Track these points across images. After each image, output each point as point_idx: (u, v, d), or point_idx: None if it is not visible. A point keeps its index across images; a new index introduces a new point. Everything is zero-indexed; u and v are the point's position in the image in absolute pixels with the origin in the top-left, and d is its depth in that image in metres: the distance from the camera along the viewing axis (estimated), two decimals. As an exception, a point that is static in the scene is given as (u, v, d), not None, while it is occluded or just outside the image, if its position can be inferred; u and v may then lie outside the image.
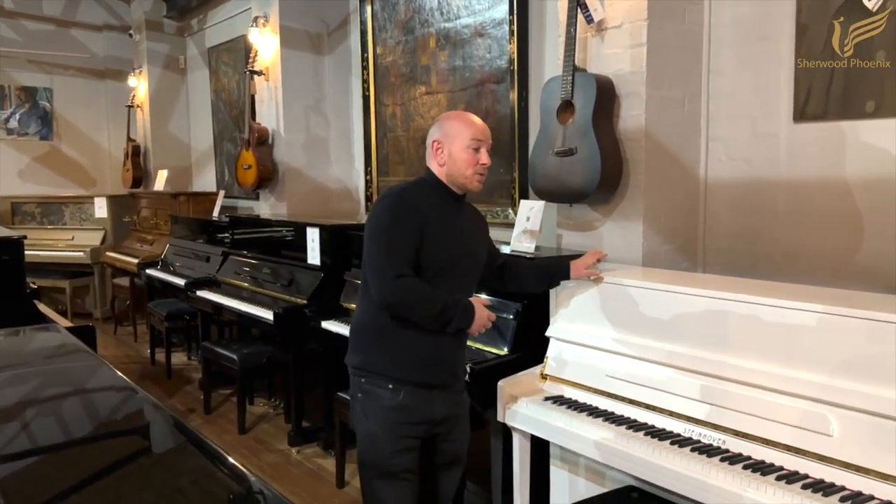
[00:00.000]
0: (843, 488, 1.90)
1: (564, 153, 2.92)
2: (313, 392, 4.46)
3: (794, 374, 2.10)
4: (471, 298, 2.32)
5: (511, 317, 2.93)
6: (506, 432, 2.83)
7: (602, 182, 2.84)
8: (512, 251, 3.12)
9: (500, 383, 2.73)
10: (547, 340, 2.82)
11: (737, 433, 2.17)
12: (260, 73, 5.48)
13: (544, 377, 2.77)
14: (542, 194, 3.08)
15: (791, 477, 1.97)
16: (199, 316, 5.40)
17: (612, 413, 2.48)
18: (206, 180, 7.66)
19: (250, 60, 5.52)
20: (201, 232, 6.01)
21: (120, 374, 2.11)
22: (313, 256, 4.38)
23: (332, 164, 5.64)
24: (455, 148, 2.28)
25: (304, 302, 4.21)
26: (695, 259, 3.11)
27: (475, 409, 2.89)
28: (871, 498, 1.84)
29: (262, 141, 5.50)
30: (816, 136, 2.77)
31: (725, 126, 3.05)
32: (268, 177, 5.52)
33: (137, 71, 7.78)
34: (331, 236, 4.28)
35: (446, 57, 4.46)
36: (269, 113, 5.56)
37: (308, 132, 5.53)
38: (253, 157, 5.43)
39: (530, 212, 3.12)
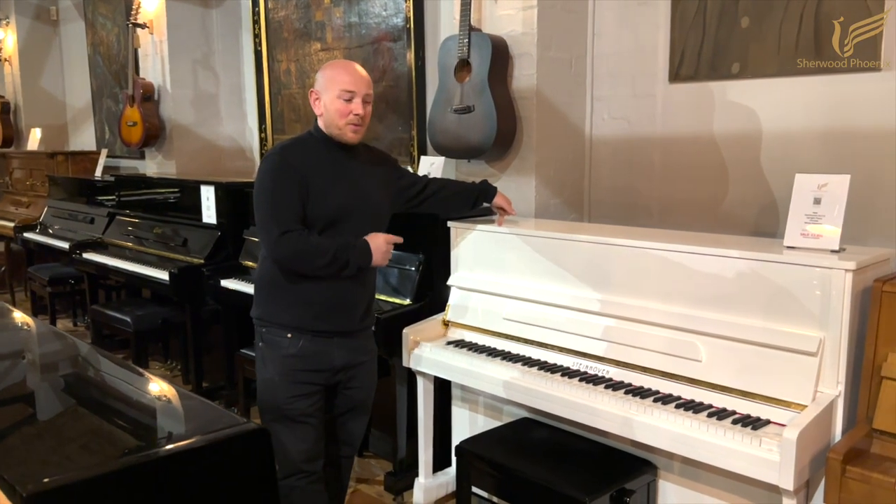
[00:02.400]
0: (710, 406, 2.17)
1: (462, 110, 3.05)
2: (213, 352, 4.45)
3: (667, 308, 2.36)
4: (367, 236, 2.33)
5: (413, 268, 3.07)
6: (410, 378, 2.99)
7: (498, 138, 3.00)
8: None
9: (404, 331, 2.87)
10: (448, 289, 2.98)
11: (619, 363, 2.42)
12: (143, 26, 5.26)
13: (446, 324, 2.94)
14: (442, 150, 3.20)
15: (666, 398, 2.24)
16: (86, 280, 5.22)
17: (509, 352, 2.68)
18: (84, 139, 7.28)
19: (132, 13, 5.28)
20: (83, 193, 5.76)
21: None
22: (209, 215, 4.34)
23: (222, 122, 5.53)
24: (327, 98, 2.29)
25: (202, 261, 4.18)
26: (581, 210, 3.34)
27: (380, 357, 3.02)
28: (734, 413, 2.12)
29: (148, 97, 5.31)
30: (689, 95, 3.03)
31: (608, 86, 3.27)
32: (154, 134, 5.35)
33: (4, 22, 7.24)
34: (227, 195, 4.24)
35: (341, 13, 4.46)
36: (155, 68, 5.36)
37: (196, 88, 5.39)
38: (138, 114, 5.24)
39: (431, 167, 3.24)
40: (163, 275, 4.12)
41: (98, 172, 6.00)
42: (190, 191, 4.45)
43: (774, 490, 2.06)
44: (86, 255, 4.85)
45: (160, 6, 5.18)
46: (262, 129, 5.24)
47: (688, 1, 2.97)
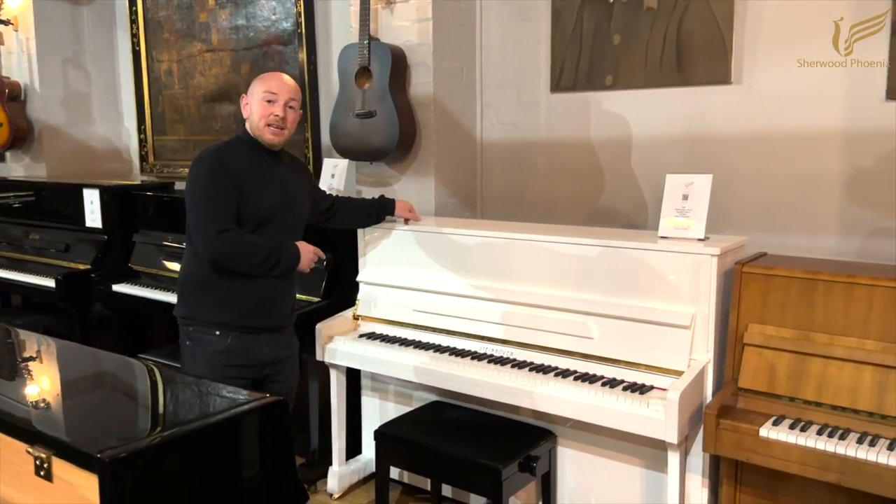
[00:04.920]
0: (602, 377, 2.49)
1: (364, 115, 3.22)
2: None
3: (561, 293, 2.65)
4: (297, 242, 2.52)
5: (322, 266, 3.20)
6: (322, 371, 3.13)
7: (400, 142, 3.20)
8: (317, 206, 3.38)
9: (317, 326, 3.01)
10: (356, 286, 3.14)
11: (522, 345, 2.69)
12: (7, 23, 4.98)
13: (356, 318, 3.10)
14: (345, 153, 3.36)
15: (565, 373, 2.53)
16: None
17: (420, 341, 2.89)
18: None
19: (-7, 8, 4.99)
20: (-63, 198, 5.35)
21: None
22: (93, 219, 4.23)
23: (95, 122, 5.33)
24: (253, 101, 2.47)
25: (88, 267, 4.08)
26: (475, 209, 3.61)
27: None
28: (623, 381, 2.45)
29: (14, 97, 5.03)
30: (568, 104, 3.36)
31: (496, 94, 3.55)
32: (21, 136, 5.08)
33: None
34: (114, 198, 4.16)
35: (227, 15, 4.47)
36: (21, 66, 5.09)
37: (67, 87, 5.17)
38: (4, 115, 4.96)
39: (335, 169, 3.39)
40: (48, 282, 3.98)
41: (-47, 176, 5.59)
42: (70, 194, 4.30)
43: (659, 447, 2.42)
44: (-51, 265, 4.55)
45: (26, 2, 4.94)
46: (140, 130, 5.12)
47: (566, 18, 3.31)
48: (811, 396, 2.16)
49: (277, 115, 2.44)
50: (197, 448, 1.33)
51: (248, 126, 2.49)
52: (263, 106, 2.43)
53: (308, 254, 2.51)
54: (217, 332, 2.42)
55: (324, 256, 2.59)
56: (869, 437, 2.03)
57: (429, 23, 3.26)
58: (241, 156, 2.44)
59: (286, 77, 2.53)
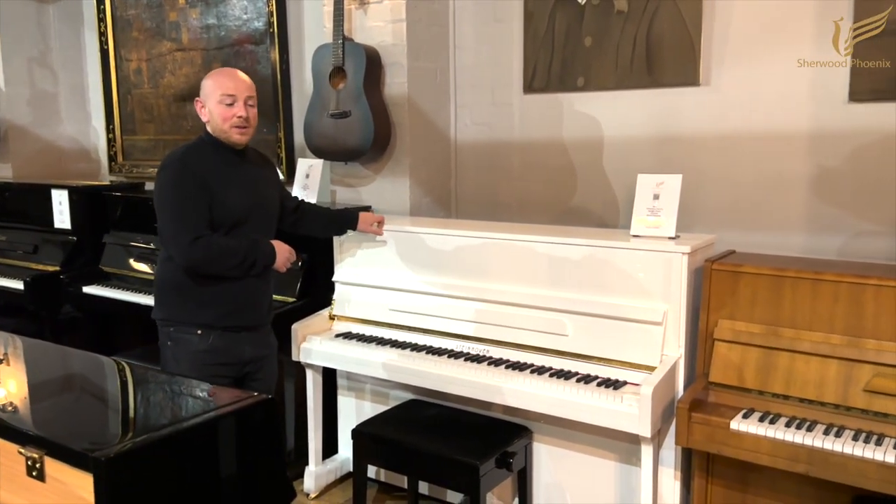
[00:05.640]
0: (577, 373, 2.53)
1: (339, 115, 3.23)
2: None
3: (536, 291, 2.69)
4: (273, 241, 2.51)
5: (297, 267, 3.19)
6: (298, 371, 3.13)
7: (375, 142, 3.21)
8: (292, 206, 3.38)
9: (293, 326, 3.01)
10: (332, 286, 3.15)
11: (497, 343, 2.73)
12: (-30, 20, 4.88)
13: (332, 317, 3.11)
14: (319, 153, 3.36)
15: (541, 370, 2.57)
16: None
17: (397, 340, 2.91)
18: None
19: (-45, 4, 4.88)
20: None
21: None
22: (62, 220, 4.17)
23: (63, 122, 5.26)
24: (211, 104, 2.42)
25: (57, 268, 4.03)
26: (449, 208, 3.64)
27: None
28: (597, 377, 2.49)
29: (-22, 95, 4.93)
30: (541, 105, 3.41)
31: (470, 95, 3.58)
32: (-14, 136, 4.99)
33: None
34: (82, 198, 4.11)
35: (198, 14, 4.44)
36: (-16, 65, 5.00)
37: (33, 87, 5.08)
38: (-32, 114, 4.86)
39: (309, 169, 3.39)
40: (16, 284, 3.91)
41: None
42: (38, 195, 4.24)
43: (632, 441, 2.46)
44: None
45: (-11, -1, 4.85)
46: (109, 130, 5.05)
47: (538, 20, 3.35)
48: (779, 390, 2.22)
49: (241, 116, 2.41)
50: (191, 445, 1.34)
51: (209, 128, 2.46)
52: (223, 109, 2.40)
53: (284, 253, 2.51)
54: (199, 332, 2.42)
55: (295, 258, 2.58)
56: (835, 429, 2.09)
57: (403, 23, 3.28)
58: (207, 158, 2.41)
59: (239, 73, 2.48)
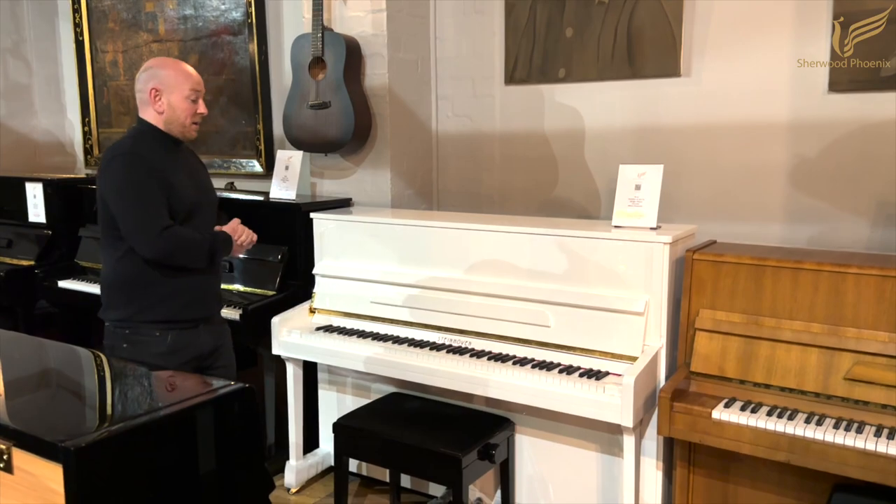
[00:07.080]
0: (559, 364, 2.52)
1: (319, 106, 3.19)
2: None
3: (518, 283, 2.68)
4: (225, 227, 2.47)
5: (277, 260, 3.16)
6: (278, 365, 3.10)
7: (356, 133, 3.18)
8: (272, 199, 3.34)
9: (273, 320, 2.97)
10: (312, 279, 3.11)
11: (479, 334, 2.71)
12: (-59, 10, 4.78)
13: (313, 311, 3.08)
14: (299, 144, 3.32)
15: (523, 361, 2.56)
16: None
17: (378, 333, 2.88)
18: None
19: (-76, -7, 4.78)
20: None
21: None
22: (36, 214, 4.10)
23: (38, 115, 5.16)
24: (174, 98, 2.33)
25: (32, 263, 3.96)
26: (431, 200, 3.61)
27: (249, 347, 3.11)
28: (580, 368, 2.48)
29: (-51, 87, 4.84)
30: (523, 96, 3.39)
31: (451, 86, 3.56)
32: (-42, 128, 4.89)
33: None
34: (57, 192, 4.04)
35: (175, 5, 4.37)
36: (-44, 56, 4.90)
37: (7, 78, 4.99)
38: (-61, 106, 4.76)
39: (289, 161, 3.35)
40: (-12, 279, 3.84)
41: None
42: (12, 188, 4.16)
43: (614, 432, 2.46)
44: None
45: (-39, -11, 4.75)
46: (85, 123, 4.97)
47: (519, 11, 3.33)
48: (761, 379, 2.23)
49: (202, 113, 2.39)
50: (166, 434, 1.32)
51: (158, 119, 2.34)
52: (189, 105, 2.35)
53: (240, 237, 2.46)
54: (157, 333, 2.34)
55: (255, 239, 2.53)
56: (816, 417, 2.10)
57: (383, 14, 3.25)
58: (155, 149, 2.33)
59: (191, 68, 2.41)
